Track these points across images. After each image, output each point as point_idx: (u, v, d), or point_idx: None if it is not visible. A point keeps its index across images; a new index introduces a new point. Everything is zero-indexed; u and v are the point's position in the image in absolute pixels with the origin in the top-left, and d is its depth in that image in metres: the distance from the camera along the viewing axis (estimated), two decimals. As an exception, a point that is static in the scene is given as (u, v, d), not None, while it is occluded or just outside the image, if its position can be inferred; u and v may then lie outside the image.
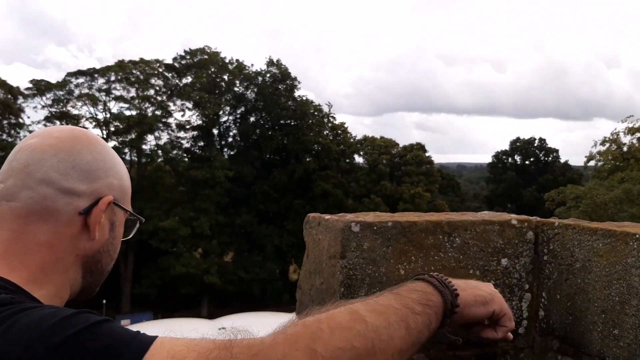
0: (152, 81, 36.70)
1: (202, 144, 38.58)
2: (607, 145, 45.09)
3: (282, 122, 39.70)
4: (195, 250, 37.38)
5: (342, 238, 2.05)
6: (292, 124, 39.60)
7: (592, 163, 47.09)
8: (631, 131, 44.13)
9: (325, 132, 40.94)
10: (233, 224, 37.77)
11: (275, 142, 38.96)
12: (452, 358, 2.19)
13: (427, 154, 45.37)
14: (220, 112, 39.06)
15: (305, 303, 2.44)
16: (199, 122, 37.56)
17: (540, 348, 2.28)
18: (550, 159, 60.29)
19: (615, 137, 44.69)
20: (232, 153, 40.95)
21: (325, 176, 38.94)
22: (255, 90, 38.76)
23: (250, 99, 39.37)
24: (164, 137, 37.44)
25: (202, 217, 35.15)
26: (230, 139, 41.26)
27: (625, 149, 44.17)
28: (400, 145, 45.62)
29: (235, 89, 39.14)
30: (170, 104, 37.47)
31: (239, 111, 40.04)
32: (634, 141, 44.07)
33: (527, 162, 61.00)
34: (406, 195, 40.64)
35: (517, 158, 61.69)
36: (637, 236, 1.86)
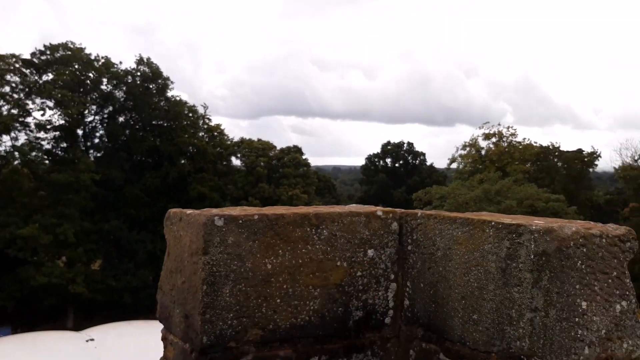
0: (8, 77, 33.57)
1: (65, 145, 35.93)
2: (467, 149, 48.76)
3: (153, 122, 38.13)
4: (59, 259, 34.75)
5: (204, 233, 1.93)
6: (165, 125, 38.19)
7: (454, 165, 50.64)
8: (488, 136, 48.09)
9: (200, 134, 39.94)
10: (101, 230, 35.61)
11: (146, 143, 37.33)
12: (320, 352, 2.15)
13: (304, 157, 46.02)
14: (86, 112, 36.64)
15: (166, 305, 2.27)
16: (62, 121, 34.94)
17: (406, 337, 2.31)
18: (417, 162, 63.95)
19: (474, 142, 48.47)
20: (98, 155, 38.59)
21: (201, 179, 38.01)
22: (124, 89, 36.84)
23: (118, 98, 37.35)
24: (22, 138, 34.39)
25: (65, 224, 32.74)
26: (96, 140, 38.89)
27: (483, 152, 48.02)
28: (278, 148, 45.84)
29: (103, 87, 36.91)
30: (29, 102, 34.48)
31: (106, 111, 37.85)
32: (491, 145, 48.05)
33: (397, 165, 64.24)
34: (284, 197, 40.87)
35: (388, 161, 64.74)
36: (493, 223, 1.93)
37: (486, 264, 1.92)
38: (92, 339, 11.86)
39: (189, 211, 2.07)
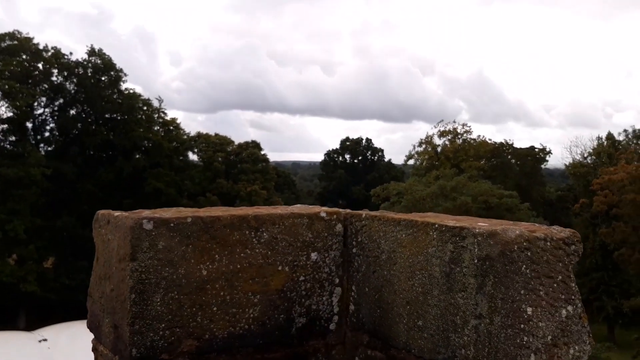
0: (-50, 67, 32.13)
1: (13, 138, 34.65)
2: (424, 146, 49.48)
3: (107, 116, 37.15)
4: (9, 257, 33.51)
5: (132, 237, 1.79)
6: (119, 118, 37.26)
7: (411, 162, 51.32)
8: (443, 134, 48.94)
9: (156, 128, 39.16)
10: (53, 227, 34.50)
11: (99, 137, 36.35)
12: (258, 362, 2.04)
13: (262, 152, 45.69)
14: (35, 104, 35.42)
15: (96, 313, 2.12)
16: (10, 114, 33.66)
17: (352, 344, 2.22)
18: (376, 158, 64.46)
19: (430, 139, 49.24)
20: (49, 149, 37.37)
21: (157, 174, 37.27)
22: (76, 81, 35.72)
23: (69, 90, 36.21)
24: (-34, 131, 32.99)
25: (15, 220, 31.61)
26: (47, 134, 37.66)
27: (439, 149, 48.81)
28: (236, 143, 45.36)
29: (53, 78, 35.73)
30: (-26, 93, 33.09)
31: (56, 103, 36.65)
32: (446, 142, 48.88)
33: (355, 161, 64.59)
34: (243, 193, 40.49)
35: (347, 157, 65.00)
36: (436, 226, 1.86)
37: (430, 268, 1.85)
38: (45, 339, 11.46)
39: (117, 213, 1.93)
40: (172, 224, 1.85)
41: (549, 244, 1.78)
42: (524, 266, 1.73)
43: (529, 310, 1.74)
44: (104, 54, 35.93)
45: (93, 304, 2.14)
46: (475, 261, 1.69)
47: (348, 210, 2.25)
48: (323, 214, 2.16)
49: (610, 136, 45.94)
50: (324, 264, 2.16)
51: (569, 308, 1.83)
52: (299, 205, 2.36)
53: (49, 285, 32.81)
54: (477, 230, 1.71)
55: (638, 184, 34.26)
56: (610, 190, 35.26)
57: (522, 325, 1.73)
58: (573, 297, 1.84)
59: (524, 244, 1.73)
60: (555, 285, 1.79)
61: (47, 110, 37.07)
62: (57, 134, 37.44)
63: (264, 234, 2.03)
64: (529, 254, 1.74)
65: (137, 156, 38.07)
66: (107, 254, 1.97)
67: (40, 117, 36.98)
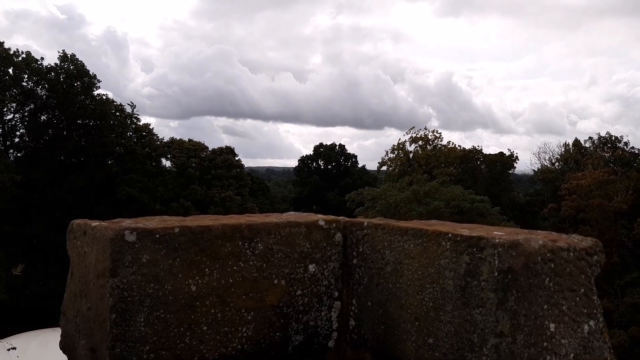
0: None
1: (-19, 144, 33.66)
2: (396, 152, 49.71)
3: (79, 122, 36.34)
4: (-24, 265, 32.47)
5: (112, 251, 1.59)
6: (91, 124, 36.48)
7: (384, 168, 51.47)
8: (414, 140, 49.24)
9: (128, 134, 38.46)
10: (23, 234, 33.56)
11: (71, 143, 35.53)
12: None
13: (236, 158, 45.24)
14: (5, 109, 34.48)
15: (70, 334, 1.91)
16: (-23, 119, 32.70)
17: (351, 362, 2.06)
18: (349, 164, 64.49)
19: (402, 146, 49.51)
20: (19, 155, 36.41)
21: (130, 180, 36.59)
22: (47, 86, 34.88)
23: (41, 95, 35.34)
24: None
25: (-18, 227, 30.63)
26: (17, 139, 36.64)
27: (411, 155, 49.08)
28: (210, 149, 44.86)
29: (24, 83, 34.83)
30: (-61, 97, 32.05)
31: (27, 109, 35.74)
32: (418, 149, 49.19)
33: (329, 167, 64.57)
34: (217, 199, 39.98)
35: (321, 163, 64.93)
36: (450, 235, 1.70)
37: (443, 282, 1.69)
38: (14, 348, 11.09)
39: (94, 223, 1.73)
40: (157, 235, 1.66)
41: (572, 254, 1.64)
42: (547, 279, 1.58)
43: (552, 326, 1.60)
44: (77, 59, 35.17)
45: (67, 323, 1.93)
46: (496, 274, 1.54)
47: (347, 219, 2.08)
48: (321, 222, 1.99)
49: (577, 143, 46.85)
50: (322, 276, 1.99)
51: (591, 323, 1.69)
52: (293, 212, 2.19)
53: (18, 293, 31.92)
54: (497, 241, 1.56)
55: (604, 189, 35.01)
56: (578, 195, 35.90)
57: (545, 344, 1.58)
58: (595, 311, 1.71)
59: (548, 255, 1.59)
60: (577, 299, 1.66)
61: (17, 115, 36.12)
62: (27, 139, 36.50)
63: (259, 245, 1.85)
64: (552, 265, 1.59)
65: (110, 162, 37.35)
66: (84, 269, 1.77)
67: (10, 123, 36.01)
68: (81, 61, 35.43)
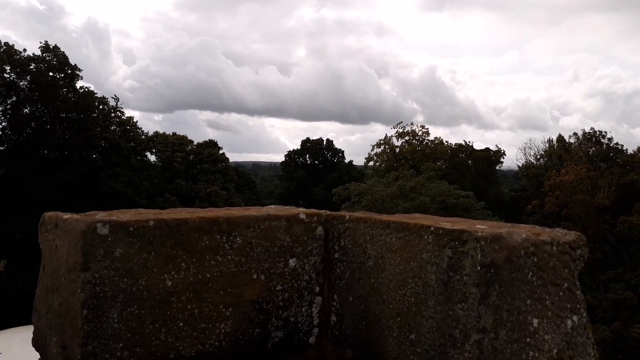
0: None
1: (-38, 138, 33.15)
2: (382, 147, 49.79)
3: (62, 115, 35.90)
4: (-43, 261, 32.03)
5: (83, 244, 1.54)
6: (74, 117, 36.06)
7: (371, 163, 51.54)
8: (401, 135, 49.34)
9: (112, 128, 38.09)
10: (6, 229, 33.14)
11: (54, 137, 35.11)
12: (230, 387, 1.81)
13: (221, 152, 45.03)
14: (-15, 102, 33.97)
15: (42, 330, 1.85)
16: (-42, 112, 32.18)
17: (333, 358, 2.02)
18: (336, 159, 64.47)
19: (389, 140, 49.60)
20: (1, 149, 35.91)
21: (115, 174, 36.27)
22: (29, 78, 34.40)
23: (23, 88, 34.85)
24: None
25: (-37, 223, 30.21)
26: (-1, 133, 36.13)
27: (397, 150, 49.19)
28: (195, 143, 44.60)
29: (5, 75, 34.31)
30: None
31: (9, 101, 35.23)
32: (404, 144, 49.31)
33: (316, 162, 64.48)
34: (202, 193, 39.79)
35: (308, 158, 64.84)
36: (432, 229, 1.67)
37: (425, 276, 1.66)
38: (-5, 345, 10.93)
39: (66, 215, 1.67)
40: (131, 228, 1.61)
41: (555, 248, 1.62)
42: (531, 273, 1.56)
43: (535, 322, 1.57)
44: (60, 50, 34.71)
45: (39, 319, 1.87)
46: (478, 268, 1.51)
47: (329, 212, 2.04)
48: (302, 216, 1.95)
49: (560, 139, 47.20)
50: (303, 271, 1.95)
51: (575, 318, 1.67)
52: (273, 206, 2.14)
53: (1, 289, 31.54)
54: (479, 234, 1.53)
55: (586, 185, 35.36)
56: (561, 191, 36.24)
57: (527, 339, 1.56)
58: (578, 306, 1.68)
59: (531, 248, 1.56)
60: (561, 293, 1.63)
61: (-2, 108, 35.61)
62: (9, 133, 36.00)
63: (237, 239, 1.80)
64: (535, 259, 1.57)
65: (94, 156, 36.99)
66: (55, 263, 1.71)
67: (-10, 116, 35.47)
68: (63, 52, 34.95)
